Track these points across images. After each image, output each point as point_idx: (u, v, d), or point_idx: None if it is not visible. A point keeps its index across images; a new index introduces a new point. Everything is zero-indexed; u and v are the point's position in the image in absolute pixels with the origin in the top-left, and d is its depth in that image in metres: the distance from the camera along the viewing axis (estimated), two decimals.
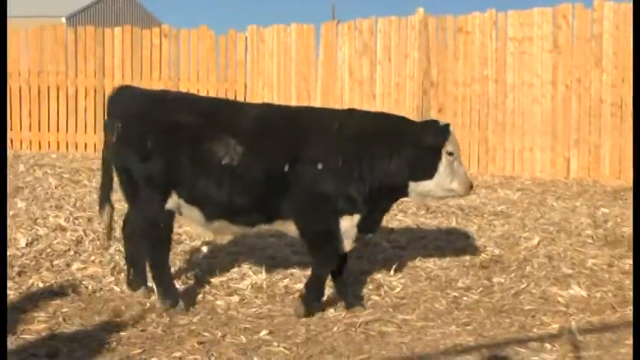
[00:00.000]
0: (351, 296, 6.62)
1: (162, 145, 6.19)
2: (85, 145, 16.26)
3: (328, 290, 6.56)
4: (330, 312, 6.44)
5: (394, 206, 7.48)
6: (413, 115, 12.95)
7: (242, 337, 5.85)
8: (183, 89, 14.93)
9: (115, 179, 6.51)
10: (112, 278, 7.07)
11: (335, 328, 6.07)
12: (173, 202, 6.27)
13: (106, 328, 5.95)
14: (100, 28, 16.54)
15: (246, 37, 16.13)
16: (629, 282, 7.32)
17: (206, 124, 6.24)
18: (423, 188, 6.40)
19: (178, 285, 6.76)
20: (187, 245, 8.14)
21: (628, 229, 9.17)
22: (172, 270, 6.81)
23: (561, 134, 13.59)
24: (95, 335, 5.81)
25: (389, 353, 5.60)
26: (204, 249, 8.03)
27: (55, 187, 11.09)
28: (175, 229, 6.85)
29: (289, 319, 6.27)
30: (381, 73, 14.91)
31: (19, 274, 7.09)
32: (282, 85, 15.81)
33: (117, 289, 6.85)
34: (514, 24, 13.91)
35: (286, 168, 6.18)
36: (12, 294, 6.62)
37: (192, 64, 16.22)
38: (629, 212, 10.25)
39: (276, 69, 15.88)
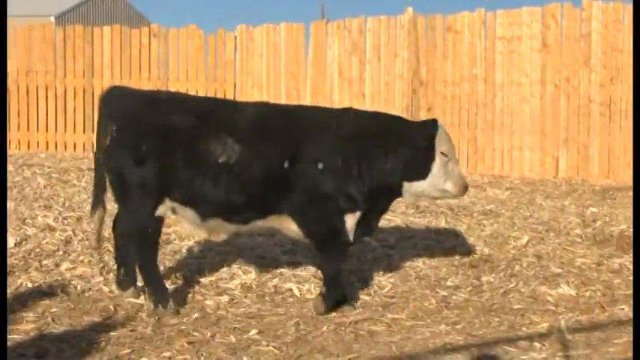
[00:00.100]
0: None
1: (158, 146, 6.15)
2: (74, 144, 16.22)
3: (318, 289, 6.56)
4: None
5: None
6: (402, 115, 12.94)
7: (231, 336, 5.84)
8: (172, 89, 14.92)
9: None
10: (101, 278, 7.06)
11: (324, 328, 6.07)
12: (166, 205, 6.25)
13: (95, 328, 5.93)
14: (89, 28, 16.51)
15: (235, 37, 16.14)
16: (618, 281, 7.34)
17: (202, 123, 6.22)
18: (417, 188, 6.39)
19: (167, 285, 6.74)
20: (176, 245, 8.12)
21: (616, 228, 9.20)
22: (161, 270, 6.79)
23: (550, 133, 13.63)
24: (84, 335, 5.79)
25: (378, 352, 5.60)
26: (194, 249, 8.01)
27: (44, 187, 11.06)
28: (164, 229, 6.84)
29: (279, 319, 6.26)
30: (371, 73, 14.93)
31: (8, 274, 7.06)
32: (272, 84, 15.81)
33: (106, 289, 6.84)
34: (503, 23, 13.94)
35: (284, 166, 6.17)
36: None
37: (182, 63, 16.21)
38: (618, 211, 10.29)
39: (265, 68, 15.88)
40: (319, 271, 6.81)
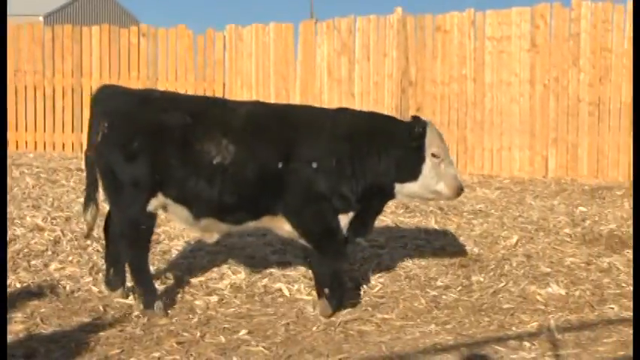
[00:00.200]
0: None
1: (150, 144, 6.13)
2: (63, 144, 16.17)
3: (308, 289, 6.55)
4: (310, 311, 6.44)
5: None
6: (392, 114, 12.94)
7: (221, 337, 5.84)
8: (161, 88, 14.85)
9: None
10: (90, 278, 7.04)
11: (314, 328, 6.07)
12: (158, 201, 6.22)
13: (85, 329, 5.92)
14: (78, 27, 16.44)
15: (224, 37, 16.13)
16: (607, 280, 7.36)
17: (195, 122, 6.20)
18: (409, 190, 6.37)
19: (157, 285, 6.73)
20: (166, 245, 8.11)
21: (605, 228, 9.22)
22: (151, 270, 6.77)
23: (539, 133, 13.64)
24: (73, 336, 5.78)
25: (368, 352, 5.60)
26: (183, 249, 8.00)
27: (33, 187, 11.02)
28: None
29: (268, 319, 6.26)
30: (360, 72, 14.93)
31: None
32: (261, 84, 15.80)
33: (95, 289, 6.82)
34: (492, 23, 13.95)
35: (278, 166, 6.15)
36: None
37: (171, 63, 16.19)
38: (607, 211, 10.31)
39: (254, 68, 15.87)
40: (309, 272, 6.79)
